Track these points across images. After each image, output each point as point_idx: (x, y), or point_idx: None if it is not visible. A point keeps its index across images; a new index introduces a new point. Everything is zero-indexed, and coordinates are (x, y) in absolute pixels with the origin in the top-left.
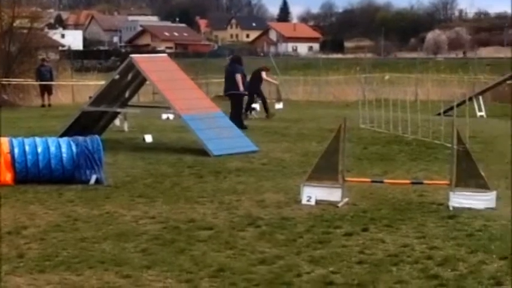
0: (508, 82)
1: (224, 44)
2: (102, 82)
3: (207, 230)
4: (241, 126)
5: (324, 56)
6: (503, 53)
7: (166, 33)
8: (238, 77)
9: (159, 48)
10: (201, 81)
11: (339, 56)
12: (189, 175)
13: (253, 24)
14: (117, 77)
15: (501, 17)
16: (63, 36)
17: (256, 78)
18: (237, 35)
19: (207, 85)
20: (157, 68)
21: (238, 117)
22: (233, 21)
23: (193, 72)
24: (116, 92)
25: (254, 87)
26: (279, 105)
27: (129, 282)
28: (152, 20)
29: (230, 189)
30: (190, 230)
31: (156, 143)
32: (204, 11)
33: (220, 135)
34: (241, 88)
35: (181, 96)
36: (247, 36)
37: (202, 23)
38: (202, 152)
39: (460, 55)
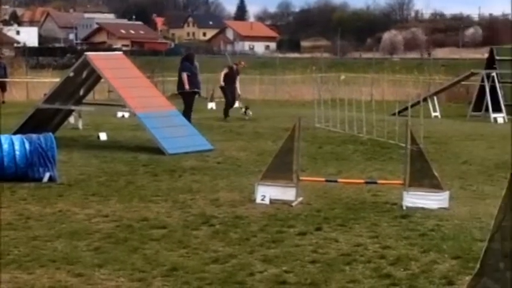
0: (463, 83)
1: (181, 42)
2: (57, 79)
3: (161, 229)
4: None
5: (280, 55)
6: (458, 54)
7: (123, 31)
8: (184, 75)
9: (115, 46)
10: (157, 79)
11: (296, 55)
12: (144, 173)
13: (210, 23)
14: (71, 74)
15: (456, 18)
16: (18, 32)
17: (228, 76)
18: (193, 33)
19: (163, 83)
20: (112, 65)
21: (187, 114)
22: (190, 19)
23: (149, 71)
24: (70, 89)
25: (227, 85)
26: (235, 104)
27: (80, 281)
28: (108, 17)
29: (185, 187)
30: (143, 229)
31: (110, 141)
32: (160, 9)
33: (176, 134)
34: (187, 87)
35: (136, 94)
36: (204, 34)
37: (159, 21)
38: (157, 151)
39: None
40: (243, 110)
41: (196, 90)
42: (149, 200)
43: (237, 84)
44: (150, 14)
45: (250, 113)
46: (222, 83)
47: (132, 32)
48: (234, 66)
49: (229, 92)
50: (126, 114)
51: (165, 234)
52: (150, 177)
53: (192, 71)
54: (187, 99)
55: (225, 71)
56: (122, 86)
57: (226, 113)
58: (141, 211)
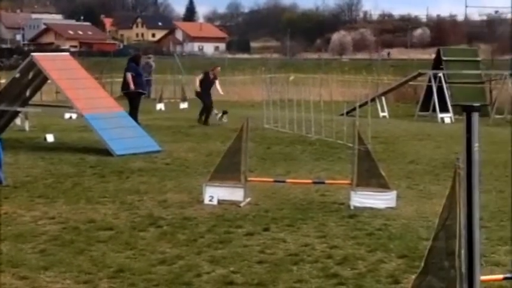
0: (411, 83)
1: (129, 43)
2: (3, 81)
3: (108, 231)
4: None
5: (230, 56)
6: (406, 54)
7: (71, 32)
8: (129, 76)
9: (63, 47)
10: (105, 80)
11: (245, 56)
12: (91, 175)
13: (159, 24)
14: (17, 75)
15: (404, 19)
16: None
17: (204, 81)
18: (142, 34)
19: (112, 84)
20: (58, 66)
21: (134, 115)
22: (139, 20)
23: (98, 72)
24: (16, 90)
25: (203, 91)
26: (183, 105)
27: (25, 284)
28: (56, 18)
29: (132, 189)
30: (90, 231)
31: (58, 142)
32: (109, 9)
33: (123, 135)
34: (132, 86)
35: (83, 96)
36: (153, 35)
37: (107, 21)
38: (105, 152)
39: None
40: (219, 115)
41: (141, 91)
42: (96, 202)
43: (218, 87)
44: (99, 15)
45: (225, 120)
46: (198, 89)
47: (80, 32)
48: (210, 73)
49: (205, 97)
50: (74, 116)
51: (112, 235)
52: (97, 178)
53: (138, 71)
54: (132, 100)
55: (200, 76)
56: (69, 87)
57: (206, 118)
58: (88, 213)
